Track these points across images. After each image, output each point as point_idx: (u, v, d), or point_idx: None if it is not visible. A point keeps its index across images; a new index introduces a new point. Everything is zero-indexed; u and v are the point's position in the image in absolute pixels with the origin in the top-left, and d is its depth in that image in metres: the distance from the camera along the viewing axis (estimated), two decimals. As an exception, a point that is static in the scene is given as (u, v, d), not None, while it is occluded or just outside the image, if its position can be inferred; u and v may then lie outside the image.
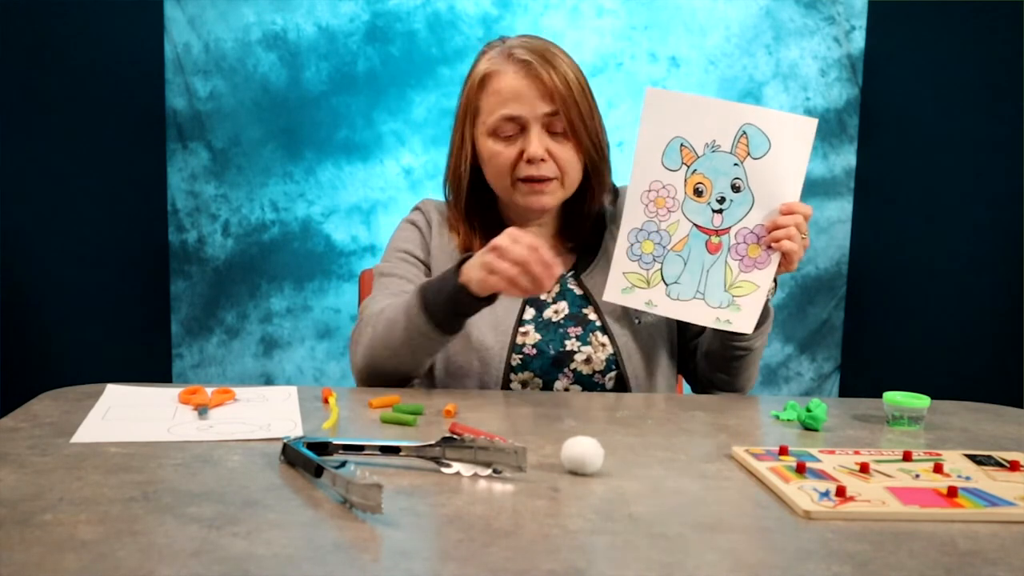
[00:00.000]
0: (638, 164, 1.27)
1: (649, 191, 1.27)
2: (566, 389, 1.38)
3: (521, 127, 1.35)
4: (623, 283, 1.31)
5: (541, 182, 1.35)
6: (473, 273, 1.21)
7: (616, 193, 1.49)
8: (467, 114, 1.39)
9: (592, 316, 1.40)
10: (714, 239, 1.28)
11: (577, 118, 1.34)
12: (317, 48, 2.54)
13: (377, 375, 1.31)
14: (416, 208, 1.51)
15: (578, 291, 1.43)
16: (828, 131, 2.66)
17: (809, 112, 2.64)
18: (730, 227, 1.27)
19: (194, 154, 2.56)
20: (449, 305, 1.23)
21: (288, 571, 0.66)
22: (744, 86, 2.63)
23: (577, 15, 2.57)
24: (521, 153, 1.34)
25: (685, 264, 1.29)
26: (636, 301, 1.31)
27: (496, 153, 1.36)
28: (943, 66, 2.60)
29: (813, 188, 2.67)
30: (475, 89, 1.38)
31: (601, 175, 1.41)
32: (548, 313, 1.41)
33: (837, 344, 2.75)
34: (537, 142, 1.34)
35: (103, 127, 2.49)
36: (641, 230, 1.29)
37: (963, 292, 2.64)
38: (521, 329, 1.39)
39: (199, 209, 2.58)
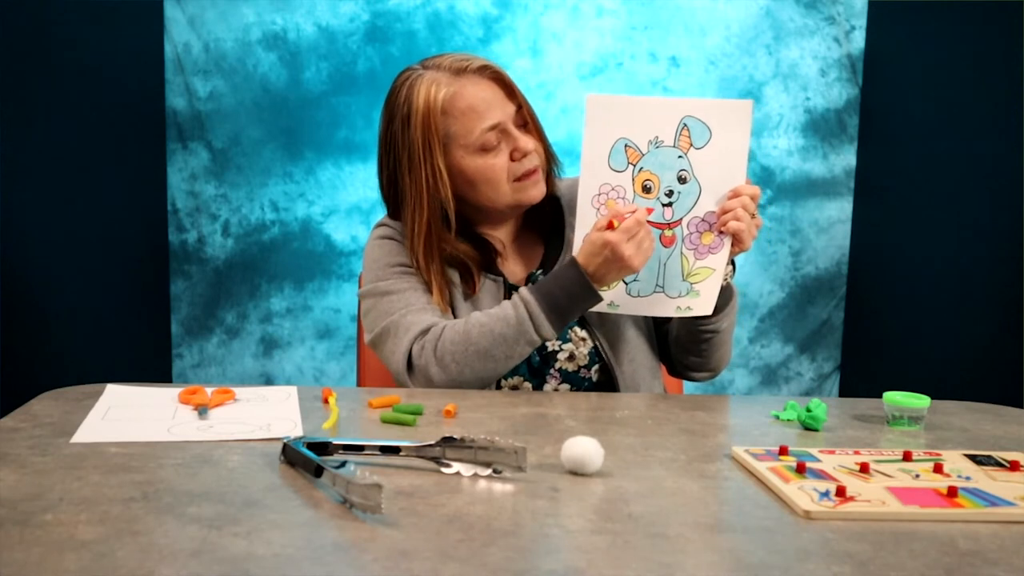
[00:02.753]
0: (585, 169, 1.27)
1: (599, 195, 1.27)
2: (555, 389, 1.38)
3: (503, 132, 1.35)
4: None
5: (534, 172, 1.37)
6: (599, 270, 1.25)
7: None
8: (433, 147, 1.34)
9: None
10: (667, 232, 1.29)
11: (527, 108, 1.39)
12: (317, 48, 2.54)
13: (456, 387, 1.31)
14: (380, 226, 1.45)
15: None
16: (828, 131, 2.66)
17: (809, 112, 2.65)
18: (681, 218, 1.28)
19: (194, 154, 2.56)
20: (576, 306, 1.28)
21: (288, 571, 0.66)
22: (744, 86, 2.63)
23: (577, 15, 2.57)
24: (512, 155, 1.36)
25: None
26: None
27: (490, 166, 1.35)
28: (943, 66, 2.60)
29: (813, 188, 2.67)
30: (437, 117, 1.33)
31: (552, 157, 1.43)
32: None
33: (837, 344, 2.75)
34: (523, 138, 1.36)
35: (103, 127, 2.49)
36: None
37: (963, 292, 2.64)
38: None
39: (199, 209, 2.58)
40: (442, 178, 1.35)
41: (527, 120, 1.38)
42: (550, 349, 1.39)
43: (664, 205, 1.28)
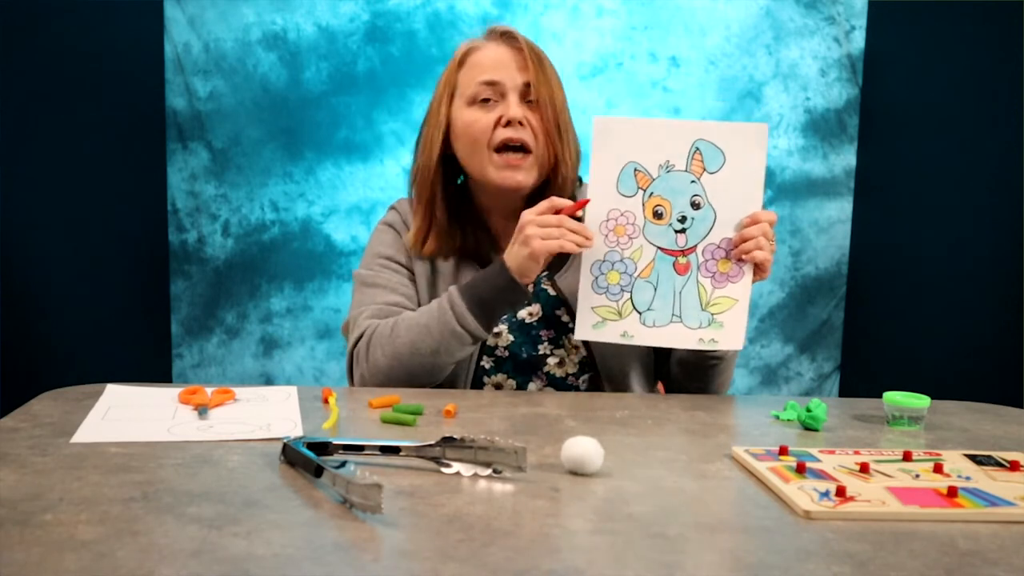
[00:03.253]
0: (593, 195, 1.24)
1: (607, 220, 1.24)
2: (540, 391, 1.38)
3: (500, 94, 1.35)
4: (593, 318, 1.27)
5: (518, 156, 1.34)
6: (514, 260, 1.25)
7: (582, 184, 1.46)
8: (444, 94, 1.40)
9: (565, 318, 1.39)
10: (681, 259, 1.25)
11: (546, 89, 1.35)
12: (317, 48, 2.54)
13: (392, 384, 1.31)
14: (391, 208, 1.49)
15: (552, 292, 1.40)
16: (828, 131, 2.66)
17: (809, 112, 2.65)
18: (695, 245, 1.24)
19: (194, 154, 2.56)
20: (501, 296, 1.27)
21: (288, 571, 0.66)
22: (744, 86, 2.63)
23: (577, 15, 2.57)
24: (498, 120, 1.34)
25: (655, 289, 1.26)
26: (611, 334, 1.27)
27: (473, 120, 1.35)
28: (943, 66, 2.60)
29: (813, 188, 2.67)
30: (454, 69, 1.40)
31: (568, 155, 1.38)
32: (522, 314, 1.40)
33: (837, 344, 2.75)
34: (516, 106, 1.34)
35: (103, 127, 2.49)
36: (604, 261, 1.26)
37: (963, 292, 2.64)
38: (495, 329, 1.37)
39: (199, 209, 2.58)
40: (440, 122, 1.39)
41: (539, 103, 1.35)
42: (540, 352, 1.38)
43: (677, 232, 1.24)
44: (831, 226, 2.70)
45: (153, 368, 2.59)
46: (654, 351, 1.44)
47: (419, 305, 1.40)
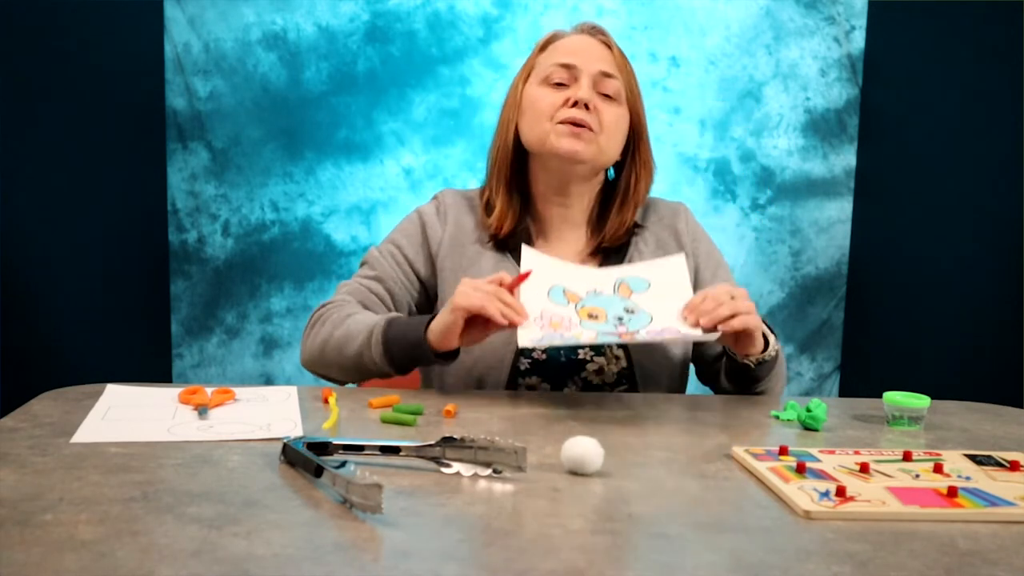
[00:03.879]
0: (524, 300, 1.19)
1: (541, 317, 1.18)
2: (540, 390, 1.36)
3: (574, 78, 1.36)
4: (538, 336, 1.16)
5: (580, 126, 1.33)
6: (440, 321, 1.21)
7: (647, 201, 1.46)
8: (522, 75, 1.41)
9: None
10: (625, 336, 1.18)
11: (627, 87, 1.39)
12: (317, 48, 2.54)
13: (317, 371, 1.35)
14: (434, 197, 1.49)
15: None
16: (828, 131, 2.66)
17: (809, 112, 2.65)
18: (638, 330, 1.18)
19: (194, 154, 2.56)
20: (409, 351, 1.24)
21: (288, 571, 0.66)
22: (744, 86, 2.63)
23: (577, 15, 2.57)
24: (566, 101, 1.34)
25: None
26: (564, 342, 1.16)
27: (540, 97, 1.36)
28: (943, 66, 2.60)
29: (813, 188, 2.67)
30: (536, 51, 1.43)
31: (643, 155, 1.42)
32: None
33: (837, 344, 2.75)
34: (586, 88, 1.34)
35: (103, 127, 2.49)
36: (541, 340, 1.16)
37: (963, 292, 2.64)
38: None
39: (199, 209, 2.58)
40: (515, 108, 1.39)
41: (618, 98, 1.37)
42: (580, 356, 1.35)
43: (618, 324, 1.19)
44: (831, 226, 2.70)
45: (153, 368, 2.59)
46: (698, 361, 1.44)
47: (408, 306, 1.41)
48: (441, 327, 1.20)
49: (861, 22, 2.62)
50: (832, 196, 2.69)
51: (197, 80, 2.53)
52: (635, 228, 1.44)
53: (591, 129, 1.33)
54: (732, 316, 1.16)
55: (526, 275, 1.22)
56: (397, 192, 2.60)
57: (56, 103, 2.47)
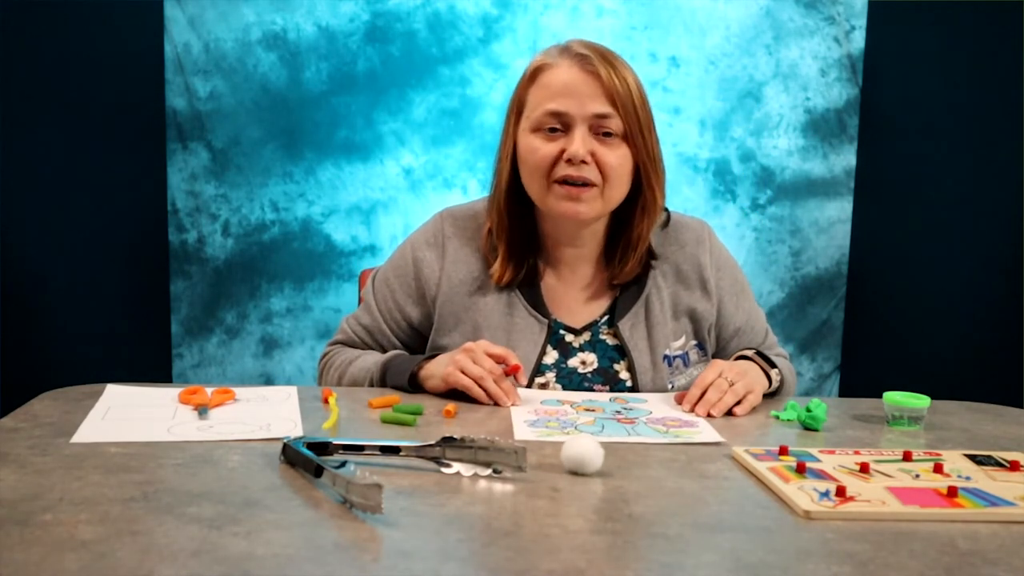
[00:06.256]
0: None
1: (535, 412, 1.16)
2: (539, 389, 1.33)
3: (566, 125, 1.25)
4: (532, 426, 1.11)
5: (579, 187, 1.24)
6: (433, 374, 1.24)
7: (668, 220, 1.38)
8: (513, 110, 1.31)
9: (624, 375, 1.32)
10: (625, 421, 1.14)
11: (634, 123, 1.26)
12: (317, 48, 2.54)
13: None
14: (434, 220, 1.40)
15: (611, 341, 1.33)
16: (828, 131, 2.66)
17: (809, 112, 2.65)
18: (637, 417, 1.16)
19: (194, 154, 2.56)
20: (402, 388, 1.27)
21: (288, 571, 0.66)
22: (744, 86, 2.63)
23: (577, 15, 2.57)
24: (562, 152, 1.24)
25: (603, 430, 1.10)
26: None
27: (534, 149, 1.26)
28: (943, 66, 2.60)
29: (813, 188, 2.67)
30: (525, 83, 1.30)
31: (653, 192, 1.29)
32: (573, 362, 1.32)
33: (837, 344, 2.75)
34: (580, 142, 1.23)
35: (103, 127, 2.49)
36: (536, 422, 1.12)
37: (963, 292, 2.64)
38: (539, 379, 1.31)
39: (199, 209, 2.58)
40: (508, 144, 1.31)
41: (624, 132, 1.26)
42: (615, 369, 1.32)
43: (616, 414, 1.17)
44: (831, 226, 2.70)
45: (153, 368, 2.59)
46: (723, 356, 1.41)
47: (399, 345, 1.39)
48: (429, 381, 1.25)
49: (861, 22, 2.62)
50: (832, 196, 2.69)
51: (197, 80, 2.53)
52: (651, 260, 1.35)
53: (592, 184, 1.25)
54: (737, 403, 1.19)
55: (517, 368, 1.21)
56: (397, 192, 2.60)
57: (56, 103, 2.47)
